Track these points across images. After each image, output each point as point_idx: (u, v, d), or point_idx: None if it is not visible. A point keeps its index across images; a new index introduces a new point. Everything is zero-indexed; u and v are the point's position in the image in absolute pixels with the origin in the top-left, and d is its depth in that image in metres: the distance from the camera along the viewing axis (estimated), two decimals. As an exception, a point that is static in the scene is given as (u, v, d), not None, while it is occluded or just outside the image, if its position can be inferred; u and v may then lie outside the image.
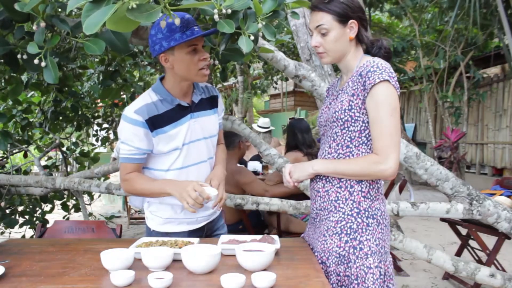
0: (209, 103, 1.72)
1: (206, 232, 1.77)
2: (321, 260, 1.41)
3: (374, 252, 1.36)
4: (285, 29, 6.46)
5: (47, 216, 3.83)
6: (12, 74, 2.64)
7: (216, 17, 1.36)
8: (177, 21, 1.19)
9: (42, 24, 1.45)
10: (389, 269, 1.41)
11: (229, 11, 1.38)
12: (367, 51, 1.49)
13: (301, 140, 3.51)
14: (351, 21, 1.40)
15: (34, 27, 1.47)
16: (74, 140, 4.36)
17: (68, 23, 1.55)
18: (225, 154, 1.87)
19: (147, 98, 1.59)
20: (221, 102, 1.81)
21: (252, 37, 1.50)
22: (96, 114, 4.39)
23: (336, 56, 1.45)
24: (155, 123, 1.56)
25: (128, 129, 1.55)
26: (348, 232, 1.38)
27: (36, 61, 1.47)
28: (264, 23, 1.53)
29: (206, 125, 1.69)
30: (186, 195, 1.48)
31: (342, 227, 1.39)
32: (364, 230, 1.37)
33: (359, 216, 1.38)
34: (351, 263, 1.36)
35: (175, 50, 1.51)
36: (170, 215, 1.69)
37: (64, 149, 4.23)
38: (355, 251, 1.36)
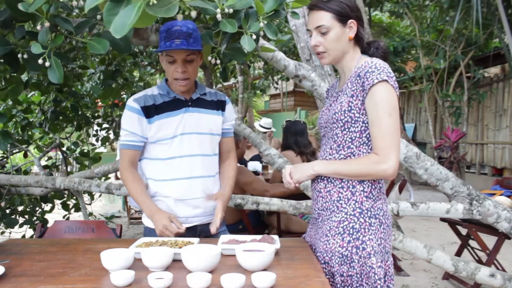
0: (215, 105, 1.80)
1: (205, 234, 1.77)
2: (324, 260, 1.40)
3: (376, 252, 1.36)
4: (286, 29, 6.45)
5: (47, 216, 3.83)
6: (12, 74, 2.63)
7: (218, 16, 1.36)
8: (193, 14, 1.25)
9: (47, 24, 1.45)
10: (390, 269, 1.42)
11: (231, 10, 1.39)
12: (363, 52, 1.49)
13: (293, 143, 3.57)
14: (350, 20, 1.40)
15: (38, 27, 1.46)
16: (74, 140, 4.35)
17: (71, 23, 1.55)
18: (235, 172, 1.90)
19: (149, 91, 1.75)
20: (231, 109, 1.86)
21: (254, 36, 1.50)
22: (96, 114, 4.39)
23: (336, 56, 1.44)
24: (150, 111, 1.69)
25: (125, 115, 1.70)
26: (351, 232, 1.38)
27: (40, 61, 1.47)
28: (265, 22, 1.53)
29: (203, 122, 1.75)
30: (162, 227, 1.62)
31: (344, 227, 1.39)
32: (366, 230, 1.37)
33: (362, 216, 1.38)
34: (354, 263, 1.35)
35: (163, 54, 1.65)
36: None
37: (64, 149, 4.22)
38: (358, 251, 1.36)
